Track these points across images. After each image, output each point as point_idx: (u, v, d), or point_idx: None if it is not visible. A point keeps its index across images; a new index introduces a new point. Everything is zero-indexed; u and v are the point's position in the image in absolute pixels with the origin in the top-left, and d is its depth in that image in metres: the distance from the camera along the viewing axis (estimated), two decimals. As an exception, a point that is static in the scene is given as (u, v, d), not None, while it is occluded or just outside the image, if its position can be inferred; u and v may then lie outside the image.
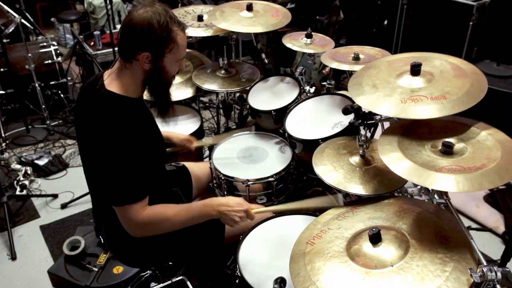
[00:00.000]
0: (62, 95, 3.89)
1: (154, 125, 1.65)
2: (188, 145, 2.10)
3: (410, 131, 1.48)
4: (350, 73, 2.08)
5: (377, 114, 1.61)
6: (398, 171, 1.32)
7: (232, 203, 1.57)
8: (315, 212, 1.70)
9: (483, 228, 2.65)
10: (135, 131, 1.46)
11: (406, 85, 1.51)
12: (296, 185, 2.12)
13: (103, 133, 1.43)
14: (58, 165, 3.27)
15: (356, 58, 2.15)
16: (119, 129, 1.42)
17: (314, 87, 2.44)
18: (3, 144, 3.41)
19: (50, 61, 3.81)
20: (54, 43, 3.93)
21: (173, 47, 1.46)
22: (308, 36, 2.45)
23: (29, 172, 3.14)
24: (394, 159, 1.36)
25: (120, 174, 1.44)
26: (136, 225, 1.50)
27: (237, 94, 2.86)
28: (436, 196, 1.55)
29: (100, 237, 1.79)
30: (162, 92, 1.58)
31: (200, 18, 2.73)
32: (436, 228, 1.32)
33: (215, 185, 2.08)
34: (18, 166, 3.20)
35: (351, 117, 1.64)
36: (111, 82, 1.50)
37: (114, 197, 1.47)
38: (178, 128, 2.38)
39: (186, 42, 1.53)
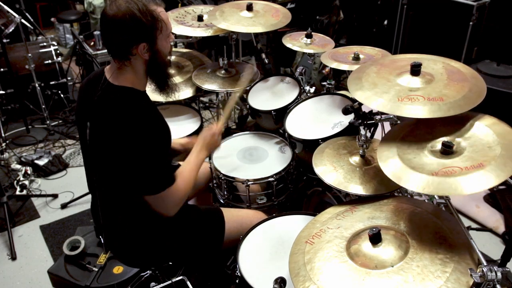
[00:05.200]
0: (62, 95, 3.89)
1: (162, 117, 1.63)
2: (190, 147, 2.08)
3: (409, 133, 1.48)
4: (350, 73, 2.08)
5: (377, 114, 1.61)
6: (389, 173, 1.33)
7: (208, 138, 1.78)
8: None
9: (483, 228, 2.65)
10: (151, 120, 1.48)
11: (405, 84, 1.51)
12: (296, 185, 2.12)
13: (123, 126, 1.41)
14: (58, 165, 3.27)
15: (356, 58, 2.15)
16: (139, 120, 1.43)
17: (314, 87, 2.44)
18: (3, 144, 3.41)
19: (50, 61, 3.81)
20: (54, 43, 3.92)
21: (162, 26, 1.46)
22: (308, 36, 2.45)
23: (29, 172, 3.14)
24: (388, 158, 1.37)
25: (152, 162, 1.46)
26: (178, 203, 1.56)
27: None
28: (436, 196, 1.55)
29: (100, 237, 1.79)
30: (163, 74, 1.60)
31: (200, 18, 2.73)
32: (436, 228, 1.32)
33: (215, 185, 2.08)
34: (18, 166, 3.20)
35: (351, 117, 1.64)
36: (116, 79, 1.48)
37: (152, 186, 1.48)
38: (178, 128, 2.38)
39: (167, 14, 1.53)
